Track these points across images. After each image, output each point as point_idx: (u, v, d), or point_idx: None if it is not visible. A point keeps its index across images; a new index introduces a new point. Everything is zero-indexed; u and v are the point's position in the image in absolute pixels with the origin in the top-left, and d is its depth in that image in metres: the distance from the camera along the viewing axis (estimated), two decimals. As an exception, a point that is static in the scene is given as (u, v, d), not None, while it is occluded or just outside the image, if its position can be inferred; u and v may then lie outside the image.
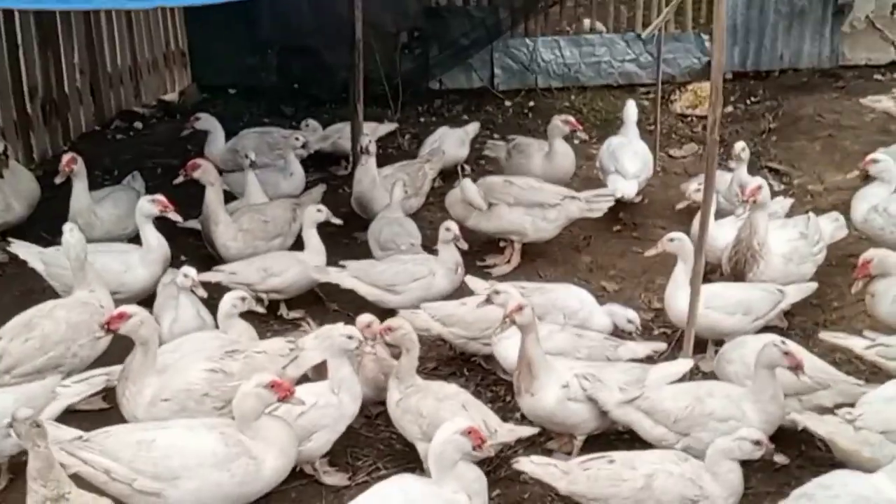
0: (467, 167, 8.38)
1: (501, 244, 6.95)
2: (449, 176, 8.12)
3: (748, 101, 10.08)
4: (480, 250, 6.84)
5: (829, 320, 5.72)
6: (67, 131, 9.11)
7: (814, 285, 5.56)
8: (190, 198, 6.70)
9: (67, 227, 5.33)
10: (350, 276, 5.94)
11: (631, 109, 7.51)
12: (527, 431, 4.52)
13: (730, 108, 9.93)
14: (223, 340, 5.05)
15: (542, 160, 7.22)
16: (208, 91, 10.76)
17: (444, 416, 4.44)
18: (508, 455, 4.67)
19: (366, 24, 8.33)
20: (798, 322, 5.69)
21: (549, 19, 10.72)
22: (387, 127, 8.93)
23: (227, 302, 5.22)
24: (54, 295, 6.15)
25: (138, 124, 9.88)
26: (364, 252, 6.72)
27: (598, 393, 4.50)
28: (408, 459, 4.79)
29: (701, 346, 5.36)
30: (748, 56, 10.50)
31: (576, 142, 8.49)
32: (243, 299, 5.25)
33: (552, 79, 10.60)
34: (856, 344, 4.77)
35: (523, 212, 6.52)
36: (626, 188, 6.80)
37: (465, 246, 6.02)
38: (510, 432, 4.48)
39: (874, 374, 5.05)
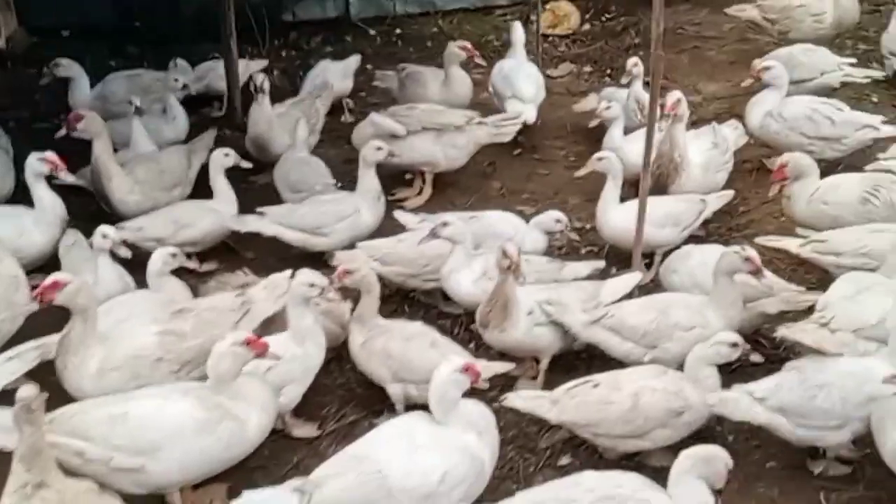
0: (350, 101, 8.14)
1: (408, 177, 6.85)
2: (334, 111, 7.85)
3: (603, 19, 10.30)
4: (388, 185, 6.70)
5: (741, 224, 6.03)
6: None
7: (731, 192, 5.84)
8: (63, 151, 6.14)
9: (-36, 194, 4.79)
10: (271, 222, 5.69)
11: (518, 31, 7.48)
12: (502, 367, 4.51)
13: (587, 27, 10.14)
14: (159, 300, 4.74)
15: (438, 88, 7.11)
16: (38, 34, 9.81)
17: (413, 356, 4.42)
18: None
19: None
20: (714, 229, 5.97)
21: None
22: (258, 63, 8.49)
23: (158, 259, 4.88)
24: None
25: (-29, 75, 8.93)
26: (265, 195, 6.46)
27: (563, 317, 4.56)
28: (373, 402, 4.72)
29: (630, 261, 5.51)
30: (597, -28, 10.68)
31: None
32: (174, 255, 4.92)
33: (409, 5, 10.39)
34: (791, 244, 5.07)
35: (432, 141, 6.43)
36: (528, 112, 6.83)
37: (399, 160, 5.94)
38: (486, 368, 4.47)
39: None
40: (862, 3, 7.97)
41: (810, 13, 7.70)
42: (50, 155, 5.46)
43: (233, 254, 6.06)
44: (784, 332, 4.33)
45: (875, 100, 7.41)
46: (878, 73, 7.20)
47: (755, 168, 6.54)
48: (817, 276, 5.33)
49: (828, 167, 6.00)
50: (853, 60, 7.29)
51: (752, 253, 4.44)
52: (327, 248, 5.65)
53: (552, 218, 5.43)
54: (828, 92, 6.91)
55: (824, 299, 4.47)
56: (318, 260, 5.80)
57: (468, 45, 7.11)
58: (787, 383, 3.99)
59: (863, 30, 8.50)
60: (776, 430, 4.03)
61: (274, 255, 5.96)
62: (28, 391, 3.43)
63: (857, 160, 6.18)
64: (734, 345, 4.14)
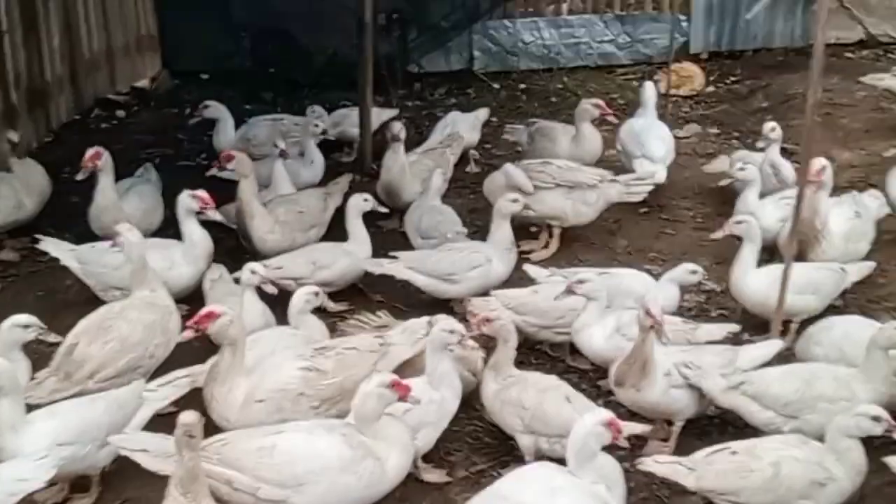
0: (476, 152, 8.29)
1: (533, 229, 6.91)
2: (459, 161, 7.97)
3: (727, 81, 10.27)
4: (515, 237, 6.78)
5: (880, 296, 5.88)
6: (48, 121, 8.66)
7: (872, 264, 5.71)
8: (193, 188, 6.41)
9: (125, 227, 5.13)
10: (405, 266, 5.83)
11: (649, 90, 7.53)
12: (641, 428, 4.49)
13: (711, 88, 10.11)
14: (301, 337, 4.90)
15: (569, 144, 7.20)
16: (180, 77, 10.37)
17: (547, 407, 4.44)
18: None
19: (342, 6, 8.21)
20: (851, 300, 5.82)
21: (529, 0, 10.69)
22: (389, 112, 8.75)
23: (301, 297, 5.05)
24: (81, 294, 5.91)
25: (120, 113, 9.47)
26: (392, 240, 6.63)
27: (701, 380, 4.52)
28: (501, 452, 4.75)
29: (763, 327, 5.42)
30: (723, 36, 10.68)
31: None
32: (316, 294, 5.09)
33: (532, 61, 10.60)
34: (937, 320, 4.92)
35: (563, 196, 6.50)
36: (659, 173, 6.85)
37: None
38: (626, 428, 4.43)
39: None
40: None
41: (953, 84, 7.51)
42: (201, 193, 5.72)
43: (362, 296, 6.22)
44: None
45: None
46: None
47: (894, 238, 6.37)
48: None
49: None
50: None
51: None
52: (457, 295, 5.76)
53: (686, 270, 5.39)
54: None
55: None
56: (445, 307, 5.91)
57: (601, 102, 7.18)
58: None
59: None
60: None
61: (401, 300, 6.11)
62: (190, 417, 3.58)
63: None
64: (877, 419, 4.01)
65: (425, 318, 4.78)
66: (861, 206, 5.95)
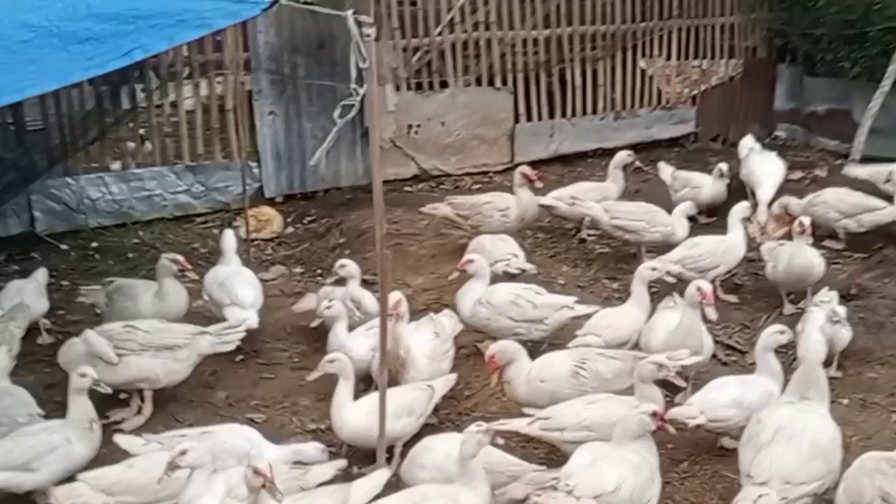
0: (46, 321, 7.57)
1: (122, 396, 6.41)
2: (28, 333, 7.22)
3: (305, 221, 10.65)
4: (101, 407, 6.20)
5: (468, 408, 6.28)
6: None
7: (454, 376, 6.11)
8: None
9: None
10: (-32, 465, 5.02)
11: (229, 237, 7.52)
12: None
13: (291, 229, 10.41)
14: None
15: (151, 301, 6.86)
16: None
17: None
18: None
19: None
20: (445, 416, 6.15)
21: (92, 156, 10.23)
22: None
23: None
24: None
25: None
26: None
27: (319, 530, 4.41)
28: None
29: (371, 457, 5.49)
30: (294, 179, 11.11)
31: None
32: None
33: (102, 217, 10.11)
34: (519, 424, 5.34)
35: (151, 357, 6.13)
36: (251, 318, 6.78)
37: (108, 390, 5.49)
38: None
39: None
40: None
41: (497, 208, 8.51)
42: None
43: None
44: (536, 499, 4.50)
45: (562, 282, 8.22)
46: (530, 267, 7.69)
47: (471, 353, 6.92)
48: (545, 451, 5.64)
49: (534, 347, 6.48)
50: (521, 252, 7.91)
51: (485, 426, 4.73)
52: (37, 486, 5.10)
53: (317, 449, 5.32)
54: (511, 278, 7.48)
55: (566, 470, 4.72)
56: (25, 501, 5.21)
57: (179, 257, 7.01)
58: None
59: (539, 221, 9.44)
60: None
61: (-31, 505, 5.26)
62: None
63: (555, 338, 6.76)
64: None
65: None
66: (439, 326, 6.38)
